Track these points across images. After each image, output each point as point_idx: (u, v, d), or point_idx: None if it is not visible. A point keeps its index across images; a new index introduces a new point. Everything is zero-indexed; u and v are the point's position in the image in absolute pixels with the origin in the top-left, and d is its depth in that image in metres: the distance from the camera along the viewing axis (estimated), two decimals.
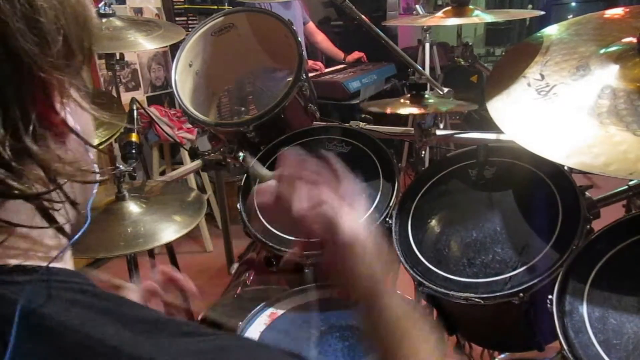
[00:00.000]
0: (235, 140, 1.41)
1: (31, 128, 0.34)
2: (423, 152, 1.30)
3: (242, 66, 1.54)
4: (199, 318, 1.28)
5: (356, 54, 3.29)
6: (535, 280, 0.85)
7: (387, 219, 1.07)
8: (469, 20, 1.31)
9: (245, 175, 1.23)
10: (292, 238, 0.95)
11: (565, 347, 0.74)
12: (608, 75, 0.84)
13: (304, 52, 1.32)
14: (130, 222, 1.10)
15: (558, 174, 0.97)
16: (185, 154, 2.81)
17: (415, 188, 1.12)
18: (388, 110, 1.13)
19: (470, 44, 1.39)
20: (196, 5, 3.30)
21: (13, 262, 0.35)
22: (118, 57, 1.58)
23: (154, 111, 2.81)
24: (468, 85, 3.34)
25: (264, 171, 0.67)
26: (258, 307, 1.02)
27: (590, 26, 0.96)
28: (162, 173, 2.83)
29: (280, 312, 1.02)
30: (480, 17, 1.26)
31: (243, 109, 1.53)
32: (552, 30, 1.01)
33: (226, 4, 3.30)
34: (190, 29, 1.52)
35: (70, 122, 0.39)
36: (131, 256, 1.38)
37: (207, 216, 3.08)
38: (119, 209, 1.13)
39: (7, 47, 0.32)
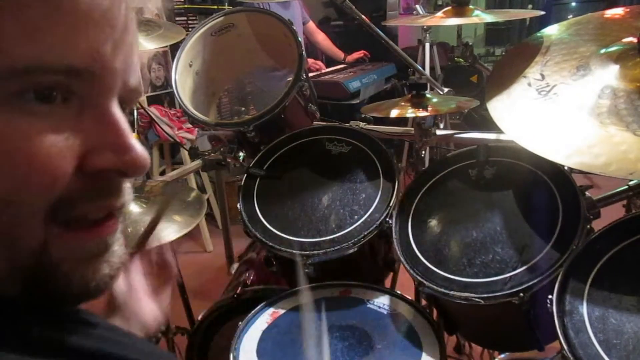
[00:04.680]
0: (235, 140, 1.41)
1: None
2: (423, 152, 1.30)
3: (242, 66, 1.54)
4: (199, 318, 1.29)
5: (356, 54, 3.29)
6: (535, 280, 0.85)
7: (387, 219, 1.07)
8: (469, 20, 1.30)
9: (245, 175, 1.23)
10: (293, 238, 0.96)
11: (565, 347, 0.74)
12: (608, 75, 0.84)
13: (304, 52, 1.32)
14: (130, 222, 1.10)
15: (558, 174, 0.97)
16: (185, 154, 2.81)
17: (415, 188, 1.12)
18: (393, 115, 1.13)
19: (470, 44, 1.39)
20: (196, 5, 3.30)
21: None
22: None
23: (154, 111, 2.81)
24: (468, 85, 3.35)
25: None
26: (258, 307, 1.02)
27: (591, 26, 0.96)
28: (162, 173, 2.83)
29: (282, 311, 1.02)
30: (480, 17, 1.26)
31: (243, 109, 1.53)
32: (552, 30, 1.01)
33: (226, 4, 3.30)
34: (190, 29, 1.52)
35: None
36: None
37: (207, 216, 3.08)
38: None
39: None
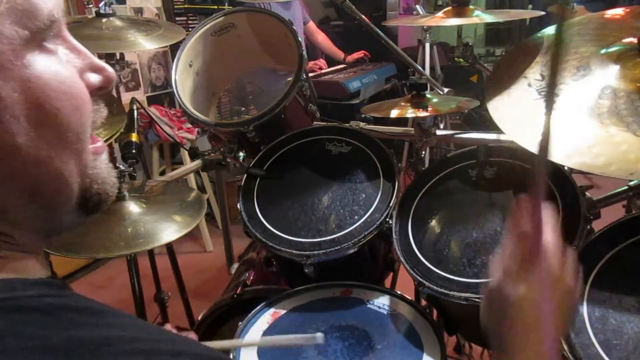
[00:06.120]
0: (235, 140, 1.41)
1: None
2: (423, 152, 1.30)
3: (242, 66, 1.54)
4: (199, 318, 1.29)
5: (356, 54, 3.29)
6: None
7: (387, 219, 1.07)
8: (469, 20, 1.31)
9: (245, 175, 1.23)
10: (293, 238, 0.94)
11: (565, 347, 0.74)
12: (608, 75, 0.84)
13: (304, 52, 1.32)
14: (130, 222, 1.10)
15: (558, 174, 0.97)
16: (185, 154, 2.81)
17: (415, 188, 1.12)
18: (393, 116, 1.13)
19: (470, 44, 1.39)
20: (196, 5, 3.30)
21: None
22: (118, 57, 1.59)
23: (154, 111, 2.81)
24: (468, 85, 3.35)
25: None
26: (259, 307, 1.02)
27: (591, 26, 0.96)
28: (162, 173, 2.83)
29: (282, 311, 1.02)
30: (480, 17, 1.26)
31: (243, 109, 1.53)
32: (552, 30, 1.01)
33: (226, 4, 3.30)
34: (190, 29, 1.52)
35: None
36: (131, 256, 1.38)
37: (207, 216, 3.09)
38: (119, 209, 1.13)
39: None
